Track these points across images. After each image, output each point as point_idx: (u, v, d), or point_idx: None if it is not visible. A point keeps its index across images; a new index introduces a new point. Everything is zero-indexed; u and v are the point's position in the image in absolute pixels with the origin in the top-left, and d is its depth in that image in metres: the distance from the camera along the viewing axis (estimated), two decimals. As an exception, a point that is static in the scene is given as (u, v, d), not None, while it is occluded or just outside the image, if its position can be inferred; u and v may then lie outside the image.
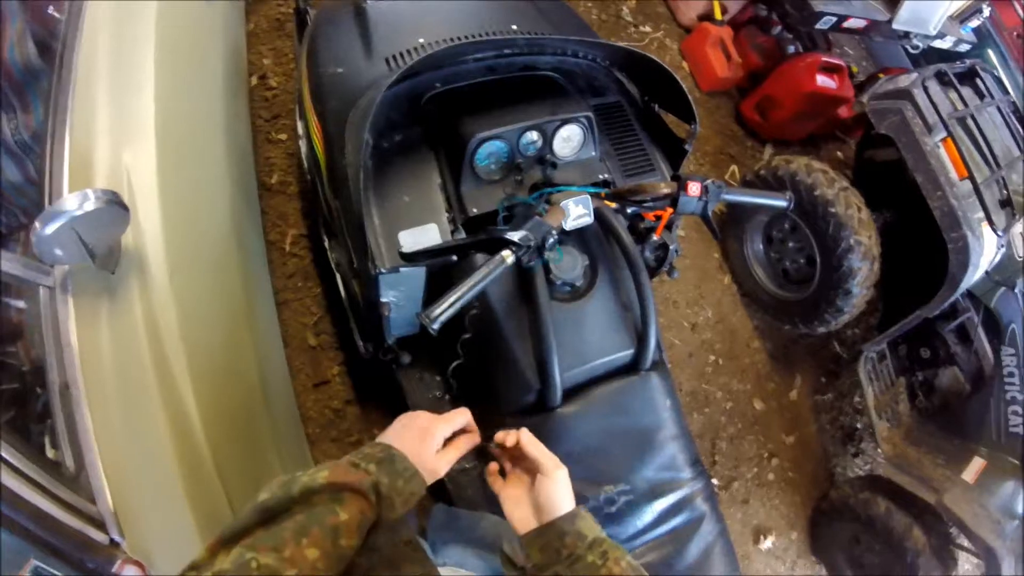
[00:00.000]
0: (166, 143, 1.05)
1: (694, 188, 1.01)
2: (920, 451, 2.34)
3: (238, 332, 1.27)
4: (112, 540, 0.79)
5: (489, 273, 0.86)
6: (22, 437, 0.77)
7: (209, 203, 1.29)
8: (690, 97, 1.22)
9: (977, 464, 2.17)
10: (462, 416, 0.85)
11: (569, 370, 1.11)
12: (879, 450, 2.43)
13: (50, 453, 0.82)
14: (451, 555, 1.09)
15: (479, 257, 1.12)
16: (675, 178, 1.04)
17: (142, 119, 1.03)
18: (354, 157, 1.07)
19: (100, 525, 0.79)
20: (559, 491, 0.78)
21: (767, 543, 2.66)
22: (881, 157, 2.27)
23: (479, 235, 0.94)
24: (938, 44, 2.72)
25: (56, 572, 0.71)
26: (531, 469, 0.81)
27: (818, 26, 2.25)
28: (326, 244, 1.52)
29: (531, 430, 1.09)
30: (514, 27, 1.36)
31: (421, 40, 1.28)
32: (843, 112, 2.78)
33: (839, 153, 3.23)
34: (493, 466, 0.87)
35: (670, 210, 1.05)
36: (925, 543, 2.21)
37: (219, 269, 1.25)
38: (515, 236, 0.89)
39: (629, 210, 1.17)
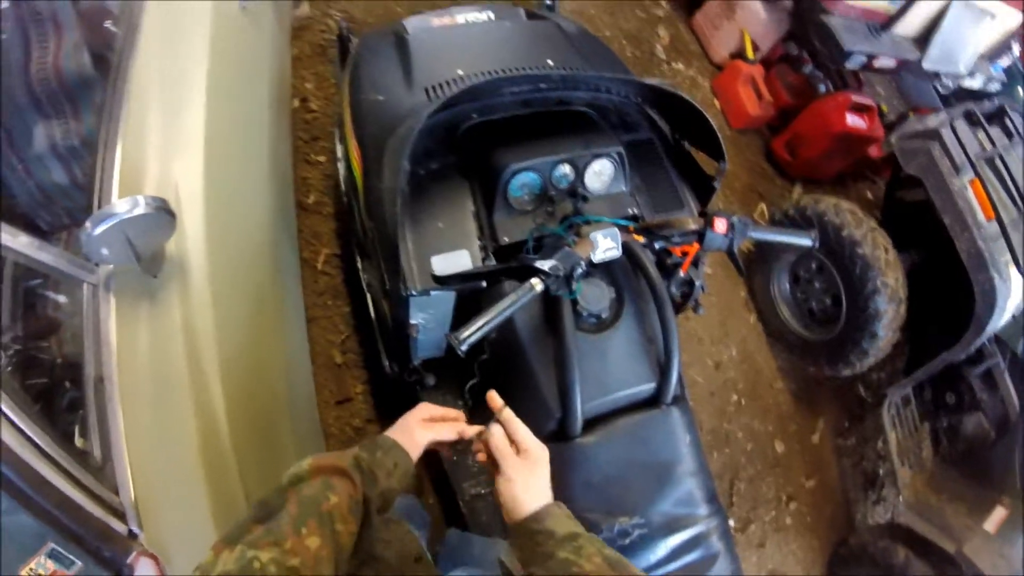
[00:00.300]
0: (213, 157, 1.09)
1: (720, 225, 1.02)
2: (942, 498, 2.30)
3: (269, 343, 1.30)
4: (131, 531, 0.80)
5: (518, 300, 0.89)
6: (53, 424, 0.79)
7: (250, 217, 1.33)
8: (720, 135, 1.24)
9: (1000, 513, 2.12)
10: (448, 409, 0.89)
11: (591, 400, 1.12)
12: (900, 496, 2.38)
13: (79, 442, 0.84)
14: None
15: (508, 284, 1.14)
16: (702, 214, 1.06)
17: (192, 133, 1.07)
18: (392, 182, 1.11)
19: (120, 515, 0.80)
20: (519, 494, 0.77)
21: (780, 589, 2.59)
22: (910, 197, 2.26)
23: (510, 263, 0.96)
24: (968, 83, 2.72)
25: (71, 556, 0.72)
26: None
27: (848, 65, 2.27)
28: (359, 265, 1.56)
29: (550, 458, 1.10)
30: (549, 62, 1.41)
31: (460, 72, 1.33)
32: (873, 151, 2.77)
33: (868, 193, 3.21)
34: (477, 444, 0.87)
35: (697, 246, 1.06)
36: None
37: (256, 281, 1.28)
38: (545, 265, 0.92)
39: (656, 244, 1.19)
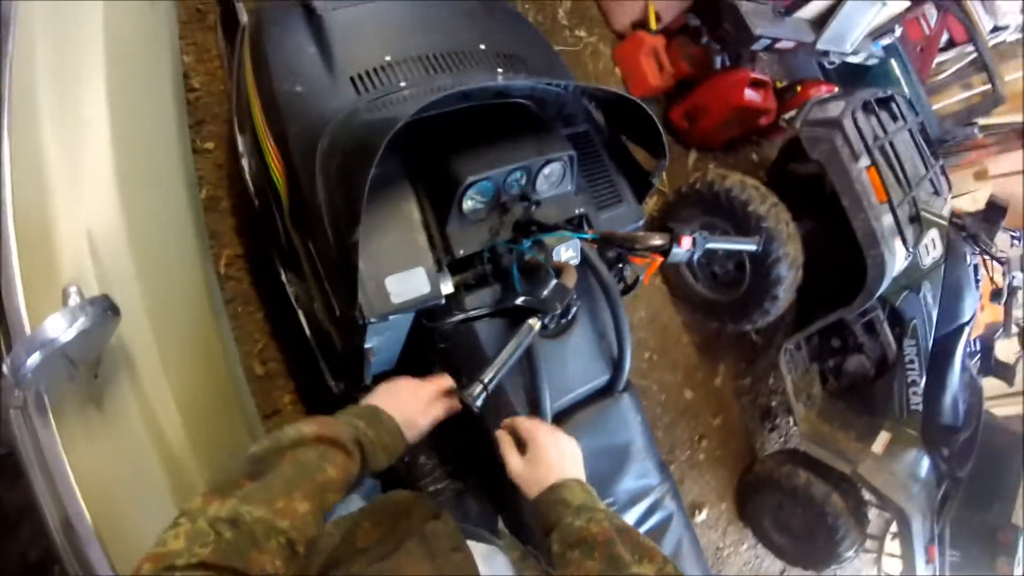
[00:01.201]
0: (129, 192, 0.88)
1: (686, 242, 1.06)
2: (834, 427, 2.66)
3: (227, 391, 1.15)
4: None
5: (521, 344, 0.88)
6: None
7: (176, 243, 1.14)
8: (663, 133, 1.26)
9: (884, 437, 2.50)
10: (444, 380, 0.95)
11: (554, 401, 1.14)
12: (798, 429, 2.71)
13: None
14: None
15: (468, 299, 1.11)
16: (667, 229, 1.08)
17: (100, 169, 0.85)
18: (341, 203, 1.00)
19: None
20: (548, 463, 0.84)
21: (701, 516, 2.91)
22: (801, 170, 2.49)
23: (504, 302, 0.93)
24: (851, 59, 2.99)
25: None
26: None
27: (754, 47, 2.40)
28: (283, 277, 1.41)
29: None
30: (482, 46, 1.33)
31: (388, 58, 1.21)
32: (763, 121, 2.99)
33: (754, 155, 3.48)
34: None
35: (660, 259, 1.09)
36: (843, 507, 2.54)
37: (197, 327, 1.10)
38: (542, 305, 0.92)
39: (616, 255, 1.21)
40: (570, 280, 0.97)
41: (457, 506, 1.42)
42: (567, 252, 1.08)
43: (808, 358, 2.77)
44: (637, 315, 2.85)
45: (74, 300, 0.67)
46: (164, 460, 0.79)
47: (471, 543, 0.79)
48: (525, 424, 0.89)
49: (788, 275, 2.28)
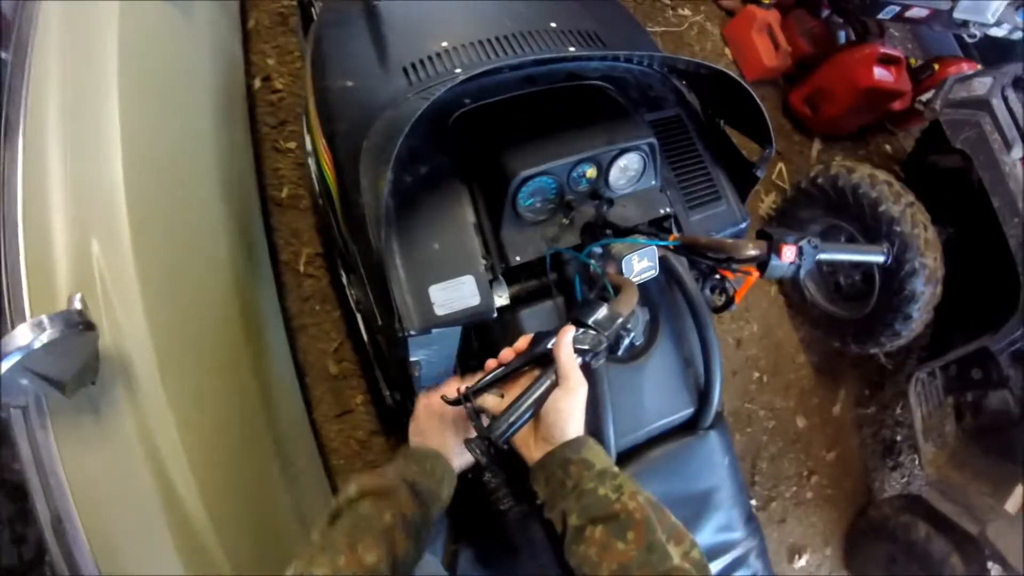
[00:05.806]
0: (142, 211, 0.89)
1: (788, 253, 0.82)
2: (965, 475, 2.25)
3: (245, 402, 1.13)
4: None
5: (553, 385, 0.71)
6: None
7: (202, 258, 1.13)
8: (768, 117, 1.04)
9: (1021, 493, 2.07)
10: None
11: (623, 436, 1.00)
12: (923, 471, 2.33)
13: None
14: None
15: (524, 314, 0.97)
16: (763, 235, 0.86)
17: (109, 189, 0.85)
18: (373, 202, 0.90)
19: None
20: (571, 409, 0.71)
21: (802, 561, 2.56)
22: (944, 164, 2.07)
23: (541, 345, 0.77)
24: (994, 32, 2.50)
25: None
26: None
27: (880, 16, 2.05)
28: (344, 279, 1.36)
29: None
30: (552, 24, 1.18)
31: (444, 44, 1.10)
32: (896, 105, 2.55)
33: (887, 147, 3.00)
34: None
35: (755, 274, 0.87)
36: (963, 571, 2.13)
37: (218, 338, 1.09)
38: (585, 344, 0.74)
39: (702, 268, 1.01)
40: (626, 304, 0.78)
41: (521, 530, 1.31)
42: (640, 262, 0.89)
43: (943, 390, 2.33)
44: (748, 329, 2.58)
45: (77, 307, 0.64)
46: (153, 471, 0.79)
47: None
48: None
49: (925, 291, 1.90)
